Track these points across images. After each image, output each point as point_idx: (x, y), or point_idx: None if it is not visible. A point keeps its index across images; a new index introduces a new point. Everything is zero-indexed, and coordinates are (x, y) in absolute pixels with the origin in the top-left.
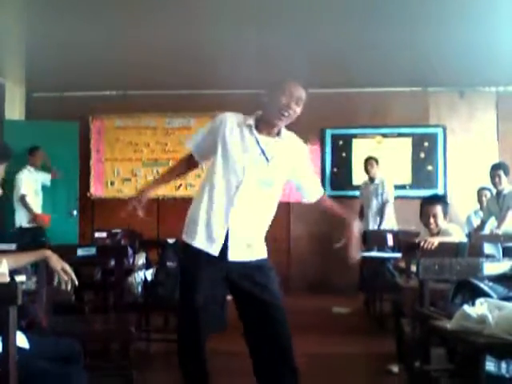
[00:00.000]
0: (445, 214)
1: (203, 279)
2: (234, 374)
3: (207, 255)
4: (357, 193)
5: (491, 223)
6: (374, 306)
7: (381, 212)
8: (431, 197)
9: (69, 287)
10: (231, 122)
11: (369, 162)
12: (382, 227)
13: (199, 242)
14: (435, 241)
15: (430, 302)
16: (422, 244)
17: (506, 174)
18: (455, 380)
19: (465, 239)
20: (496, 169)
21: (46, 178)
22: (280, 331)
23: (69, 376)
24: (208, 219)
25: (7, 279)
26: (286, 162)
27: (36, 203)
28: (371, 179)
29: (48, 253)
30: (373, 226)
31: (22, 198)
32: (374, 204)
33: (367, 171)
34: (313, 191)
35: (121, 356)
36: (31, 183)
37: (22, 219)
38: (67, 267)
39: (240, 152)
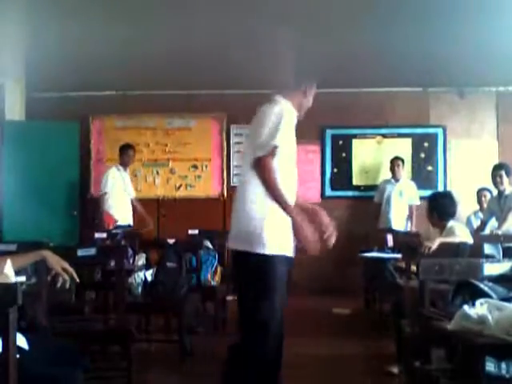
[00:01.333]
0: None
1: (283, 285)
2: None
3: (286, 259)
4: (357, 193)
5: (491, 224)
6: (374, 306)
7: (410, 214)
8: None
9: (67, 285)
10: (291, 117)
11: (395, 162)
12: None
13: (286, 250)
14: (434, 244)
15: (430, 302)
16: (421, 250)
17: (508, 174)
18: (455, 380)
19: (470, 239)
20: (498, 169)
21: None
22: None
23: (66, 378)
24: (286, 223)
25: (12, 279)
26: None
27: (120, 204)
28: (396, 179)
29: (46, 253)
30: (397, 226)
31: (101, 196)
32: (398, 204)
33: (393, 171)
34: None
35: (121, 357)
36: (118, 182)
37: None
38: (67, 265)
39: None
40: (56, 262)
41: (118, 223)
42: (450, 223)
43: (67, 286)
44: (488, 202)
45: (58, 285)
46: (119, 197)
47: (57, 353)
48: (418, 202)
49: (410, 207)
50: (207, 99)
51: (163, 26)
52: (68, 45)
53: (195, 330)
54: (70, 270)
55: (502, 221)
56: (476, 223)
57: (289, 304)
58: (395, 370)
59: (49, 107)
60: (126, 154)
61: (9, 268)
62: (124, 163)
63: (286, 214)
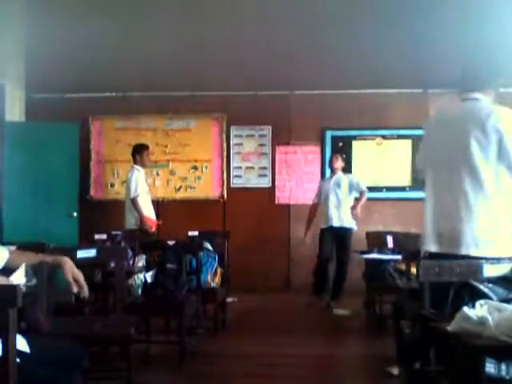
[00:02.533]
0: None
1: None
2: (234, 376)
3: None
4: (357, 195)
5: None
6: (374, 307)
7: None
8: None
9: (81, 295)
10: None
11: (333, 155)
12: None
13: None
14: None
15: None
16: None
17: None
18: (455, 382)
19: None
20: None
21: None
22: None
23: (65, 380)
24: None
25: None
26: None
27: (146, 205)
28: (334, 173)
29: (65, 260)
30: (341, 222)
31: (135, 200)
32: (336, 199)
33: (331, 165)
34: None
35: (120, 358)
36: (142, 184)
37: (132, 222)
38: (80, 278)
39: None
40: (68, 271)
41: (134, 227)
42: None
43: (81, 295)
44: None
45: (74, 290)
46: (145, 198)
47: (57, 354)
48: (364, 188)
49: (361, 194)
50: (207, 100)
51: (163, 27)
52: (68, 46)
53: (195, 331)
54: (82, 283)
55: None
56: None
57: (288, 305)
58: (395, 371)
59: (49, 108)
60: (144, 154)
61: (20, 273)
62: (142, 164)
63: None
